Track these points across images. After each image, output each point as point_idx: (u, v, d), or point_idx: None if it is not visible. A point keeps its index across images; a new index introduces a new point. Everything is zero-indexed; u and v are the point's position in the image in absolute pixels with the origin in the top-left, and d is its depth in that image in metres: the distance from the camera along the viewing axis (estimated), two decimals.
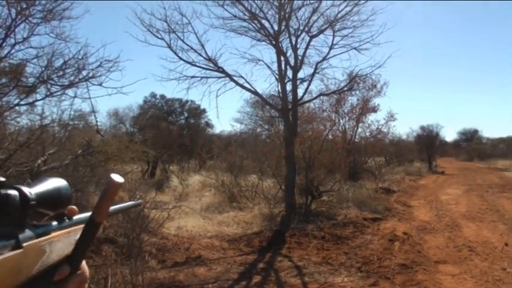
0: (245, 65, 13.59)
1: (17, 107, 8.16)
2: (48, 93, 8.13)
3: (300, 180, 13.37)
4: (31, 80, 7.96)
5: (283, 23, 12.58)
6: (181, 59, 12.05)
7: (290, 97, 13.10)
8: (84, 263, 0.96)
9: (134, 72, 11.55)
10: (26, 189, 0.81)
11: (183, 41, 11.92)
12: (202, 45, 12.03)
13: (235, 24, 12.61)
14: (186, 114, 32.09)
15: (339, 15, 12.45)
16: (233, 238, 10.34)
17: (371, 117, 23.74)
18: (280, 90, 13.04)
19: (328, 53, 13.02)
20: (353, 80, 14.19)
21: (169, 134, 24.06)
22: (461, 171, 36.55)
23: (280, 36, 12.62)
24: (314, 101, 16.76)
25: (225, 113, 54.43)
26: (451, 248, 10.07)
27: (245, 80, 12.63)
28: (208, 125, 33.36)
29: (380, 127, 23.66)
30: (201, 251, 9.16)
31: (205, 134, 31.73)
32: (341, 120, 21.74)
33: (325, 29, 12.73)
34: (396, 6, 28.63)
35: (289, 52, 12.99)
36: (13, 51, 7.71)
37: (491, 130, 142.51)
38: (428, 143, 40.24)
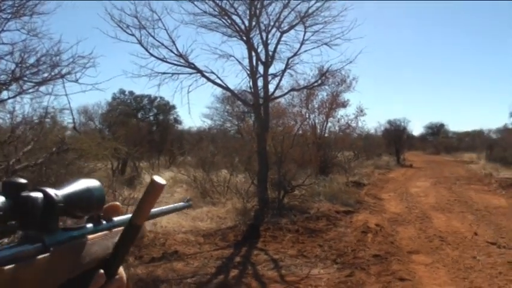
0: (216, 60, 13.63)
1: None
2: (20, 90, 8.05)
3: (272, 175, 13.44)
4: (3, 77, 7.86)
5: (254, 19, 12.61)
6: (152, 55, 11.99)
7: (261, 93, 13.15)
8: (122, 268, 0.94)
9: (105, 68, 11.48)
10: (51, 191, 0.77)
11: (153, 37, 11.87)
12: (173, 42, 12.00)
13: (206, 20, 12.61)
14: (155, 111, 32.01)
15: (310, 11, 12.55)
16: (208, 233, 10.35)
17: (341, 112, 23.89)
18: (251, 86, 13.07)
19: (300, 48, 13.13)
20: (324, 75, 14.31)
21: (138, 130, 23.92)
22: (429, 164, 37.06)
23: (251, 32, 12.65)
24: (284, 96, 16.84)
25: (195, 108, 54.21)
26: (422, 239, 10.27)
27: (216, 75, 12.64)
28: (177, 121, 33.33)
29: (350, 122, 23.82)
30: (177, 246, 9.17)
31: (175, 130, 31.66)
32: (311, 115, 21.84)
33: (296, 24, 12.82)
34: (366, 3, 28.96)
35: (261, 48, 13.04)
36: None
37: (457, 124, 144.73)
38: (396, 137, 40.60)
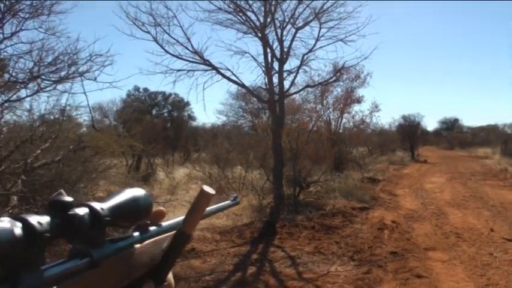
0: (231, 57, 13.57)
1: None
2: (38, 88, 8.11)
3: (287, 171, 13.44)
4: (21, 75, 7.92)
5: (269, 16, 12.59)
6: (167, 52, 11.99)
7: (276, 89, 13.14)
8: (170, 274, 0.95)
9: (121, 66, 11.53)
10: (97, 206, 0.78)
11: (169, 34, 11.87)
12: (188, 39, 12.00)
13: (221, 17, 12.59)
14: (169, 107, 32.08)
15: (325, 7, 12.49)
16: (224, 230, 10.38)
17: (355, 108, 23.83)
18: (267, 82, 13.07)
19: (315, 44, 13.07)
20: (339, 71, 14.28)
21: (153, 127, 23.96)
22: (443, 159, 36.89)
23: (266, 29, 12.62)
24: (299, 92, 16.80)
25: (209, 105, 54.26)
26: (439, 235, 10.24)
27: (232, 72, 12.63)
28: (191, 117, 33.38)
29: (364, 117, 23.75)
30: (194, 243, 9.18)
31: (189, 126, 31.72)
32: (326, 112, 21.80)
33: (311, 21, 12.77)
34: None
35: (276, 44, 13.00)
36: (2, 46, 7.69)
37: (472, 119, 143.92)
38: (410, 133, 40.47)
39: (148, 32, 11.76)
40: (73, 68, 8.08)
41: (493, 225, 10.99)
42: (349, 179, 17.69)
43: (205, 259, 8.32)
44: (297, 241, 9.56)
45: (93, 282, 0.76)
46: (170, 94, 31.14)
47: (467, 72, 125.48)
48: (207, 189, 0.93)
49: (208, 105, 67.02)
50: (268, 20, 12.62)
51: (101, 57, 8.13)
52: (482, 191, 17.34)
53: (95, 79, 8.13)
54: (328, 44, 13.22)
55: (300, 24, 12.91)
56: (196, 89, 12.62)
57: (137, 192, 0.87)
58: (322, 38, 13.02)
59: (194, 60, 12.25)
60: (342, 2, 12.52)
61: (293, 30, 12.98)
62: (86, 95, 8.50)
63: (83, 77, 8.06)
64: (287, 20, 12.81)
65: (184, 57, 12.20)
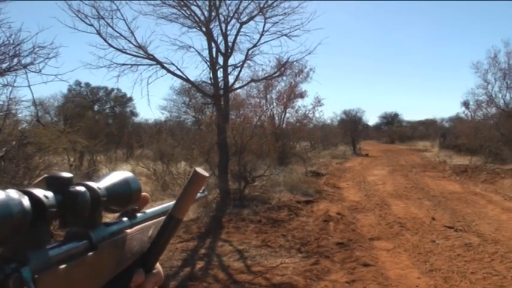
0: (176, 52, 13.49)
1: None
2: None
3: (233, 166, 13.46)
4: None
5: (214, 10, 12.55)
6: (111, 46, 11.78)
7: (221, 84, 13.12)
8: (158, 262, 0.91)
9: (65, 59, 11.26)
10: (94, 185, 0.74)
11: (112, 27, 11.65)
12: (132, 32, 11.80)
13: (165, 11, 12.46)
14: (112, 103, 31.63)
15: (269, 2, 12.52)
16: None
17: (299, 103, 24.04)
18: (211, 77, 13.03)
19: (259, 39, 13.11)
20: (283, 66, 14.36)
21: (96, 123, 23.59)
22: (385, 153, 37.66)
23: (210, 23, 12.57)
24: (244, 87, 16.83)
25: (152, 101, 53.70)
26: (383, 225, 10.53)
27: (176, 67, 12.53)
28: (133, 113, 33.04)
29: (307, 112, 24.00)
30: None
31: (132, 122, 31.39)
32: (269, 106, 21.93)
33: (256, 15, 12.78)
34: None
35: (220, 39, 12.98)
36: None
37: (411, 113, 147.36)
38: (351, 127, 41.15)
39: (91, 25, 11.52)
40: (16, 60, 7.85)
41: (434, 214, 11.47)
42: (293, 173, 17.83)
43: None
44: (244, 235, 9.58)
45: (92, 265, 0.73)
46: (112, 89, 30.79)
47: (407, 67, 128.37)
48: (201, 171, 0.88)
49: (152, 101, 66.24)
50: (213, 14, 12.58)
51: (45, 49, 7.91)
52: (423, 182, 17.89)
53: (40, 71, 7.91)
54: (272, 39, 13.30)
55: (244, 19, 12.93)
56: (141, 84, 12.52)
57: (127, 174, 0.85)
58: (267, 33, 13.08)
59: (138, 54, 12.11)
60: None
61: (238, 25, 12.99)
62: (30, 88, 8.29)
63: (26, 69, 7.84)
64: (232, 15, 12.81)
65: (128, 52, 12.03)
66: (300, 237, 9.30)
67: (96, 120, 24.93)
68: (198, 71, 38.17)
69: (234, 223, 10.49)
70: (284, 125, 22.91)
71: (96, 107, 30.75)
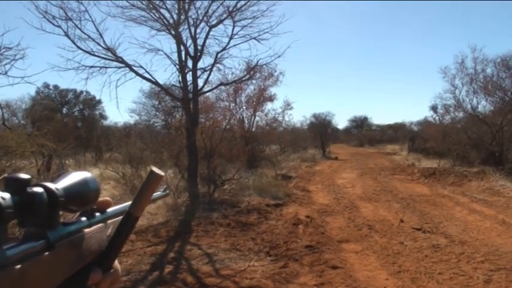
0: (145, 55, 13.42)
1: None
2: None
3: (202, 170, 13.43)
4: None
5: (183, 13, 12.51)
6: (79, 48, 11.67)
7: (191, 87, 13.08)
8: (116, 261, 0.93)
9: (33, 61, 11.13)
10: (52, 186, 0.74)
11: (80, 29, 11.54)
12: (101, 34, 11.72)
13: (134, 14, 12.34)
14: (80, 106, 31.33)
15: (238, 5, 12.54)
16: (140, 230, 10.21)
17: (268, 106, 24.11)
18: (180, 80, 13.00)
19: (228, 43, 13.12)
20: (252, 69, 14.38)
21: (64, 126, 23.34)
22: (354, 156, 37.95)
23: (179, 26, 12.53)
24: (213, 90, 16.81)
25: (121, 104, 53.33)
26: (351, 228, 10.60)
27: (145, 70, 12.50)
28: (103, 116, 32.77)
29: (277, 116, 24.07)
30: None
31: (101, 125, 31.12)
32: (239, 110, 21.94)
33: (225, 19, 12.79)
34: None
35: (189, 42, 12.96)
36: None
37: (380, 117, 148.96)
38: (321, 131, 41.34)
39: (59, 26, 11.39)
40: None
41: (403, 217, 11.61)
42: (262, 177, 17.85)
43: (120, 259, 8.15)
44: (213, 238, 9.56)
45: (49, 265, 0.73)
46: (81, 92, 30.49)
47: (376, 71, 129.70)
48: (157, 170, 0.91)
49: (121, 104, 65.83)
50: (182, 17, 12.54)
51: (11, 50, 7.81)
52: (391, 185, 18.08)
53: (6, 73, 7.80)
54: (241, 42, 13.31)
55: (213, 22, 12.92)
56: (109, 86, 12.41)
57: (86, 175, 0.85)
58: (236, 36, 13.10)
59: (107, 57, 12.03)
60: (255, 1, 12.62)
61: (207, 28, 12.99)
62: None
63: None
64: (201, 18, 12.80)
65: (96, 54, 11.95)
66: (269, 241, 9.31)
67: (64, 123, 24.67)
68: (167, 74, 37.97)
69: (203, 227, 10.46)
70: (254, 129, 22.92)
71: (64, 110, 30.45)
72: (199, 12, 12.74)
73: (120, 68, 12.21)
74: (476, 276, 7.10)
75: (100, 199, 0.90)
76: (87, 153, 26.45)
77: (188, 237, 9.66)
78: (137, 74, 12.34)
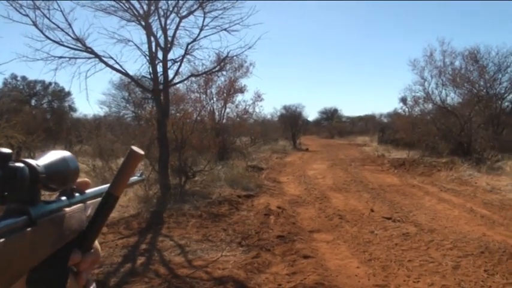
0: (115, 45, 13.29)
1: None
2: None
3: (173, 161, 13.40)
4: None
5: (153, 4, 12.41)
6: (47, 38, 11.42)
7: (161, 78, 13.01)
8: (96, 241, 0.91)
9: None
10: (33, 162, 0.73)
11: (49, 18, 11.27)
12: (70, 24, 11.48)
13: (104, 3, 12.16)
14: (49, 98, 30.92)
15: None
16: (111, 222, 10.14)
17: (239, 98, 24.14)
18: (151, 72, 12.89)
19: (199, 34, 13.03)
20: (223, 61, 14.35)
21: (33, 118, 23.04)
22: (324, 147, 38.16)
23: (149, 17, 12.42)
24: (184, 82, 16.73)
25: (91, 95, 52.75)
26: (322, 218, 10.71)
27: (115, 61, 12.31)
28: (72, 108, 32.42)
29: (247, 107, 24.11)
30: None
31: (70, 117, 30.76)
32: (209, 101, 21.92)
33: (195, 10, 12.70)
34: None
35: (160, 33, 12.84)
36: None
37: (350, 109, 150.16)
38: (291, 122, 41.48)
39: (26, 15, 11.12)
40: None
41: (373, 206, 11.80)
42: (233, 168, 17.87)
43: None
44: (185, 230, 9.56)
45: (30, 242, 0.71)
46: (50, 83, 30.08)
47: (346, 63, 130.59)
48: (136, 149, 0.90)
49: (91, 95, 65.05)
50: (152, 8, 12.43)
51: None
52: (362, 175, 18.28)
53: None
54: (212, 34, 13.22)
55: (184, 13, 12.82)
56: (79, 77, 12.23)
57: (65, 153, 0.85)
58: (207, 28, 13.00)
59: (76, 47, 11.83)
60: None
61: (177, 19, 12.86)
62: None
63: None
64: (171, 9, 12.68)
65: (65, 44, 11.71)
66: (240, 231, 9.35)
67: (33, 115, 24.33)
68: (137, 65, 37.82)
69: (174, 218, 10.45)
70: (224, 120, 22.96)
71: (33, 102, 30.02)
72: (169, 2, 12.65)
73: (89, 58, 12.03)
74: (445, 262, 7.24)
75: (79, 180, 0.90)
76: (57, 145, 26.16)
77: (160, 229, 9.65)
78: (107, 64, 12.20)
